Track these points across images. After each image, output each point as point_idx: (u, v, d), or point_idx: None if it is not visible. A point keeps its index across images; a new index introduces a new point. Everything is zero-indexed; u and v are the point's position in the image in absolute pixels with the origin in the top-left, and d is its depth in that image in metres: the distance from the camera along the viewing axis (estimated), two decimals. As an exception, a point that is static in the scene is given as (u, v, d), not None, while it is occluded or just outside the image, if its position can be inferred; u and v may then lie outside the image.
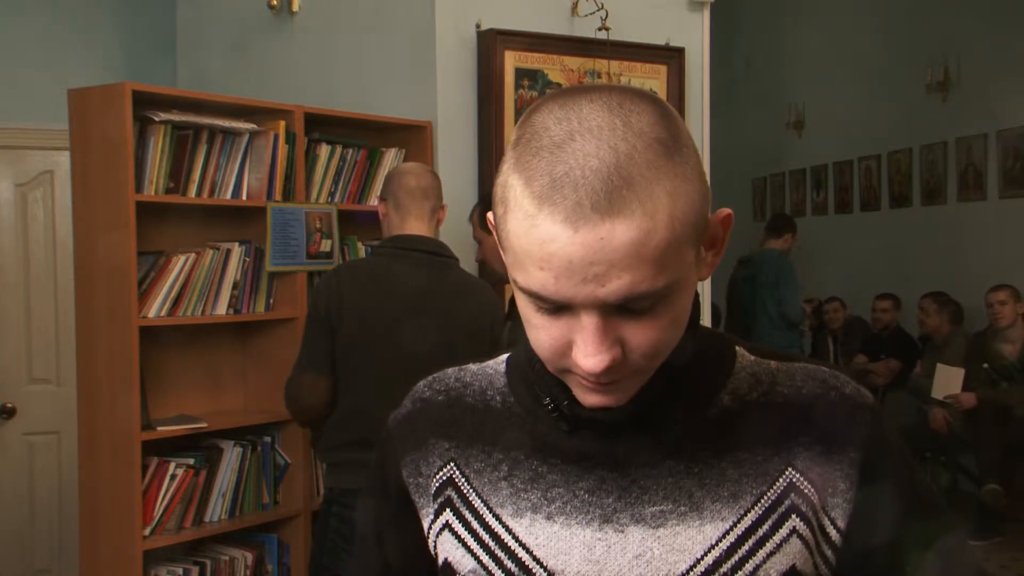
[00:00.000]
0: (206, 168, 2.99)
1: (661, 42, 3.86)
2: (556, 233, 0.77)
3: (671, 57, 3.86)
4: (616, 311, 0.80)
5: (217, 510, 3.05)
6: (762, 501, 0.89)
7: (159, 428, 2.90)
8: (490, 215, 0.88)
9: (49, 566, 4.23)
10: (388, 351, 2.63)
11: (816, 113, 8.19)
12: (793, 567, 0.88)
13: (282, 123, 3.13)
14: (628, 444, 0.91)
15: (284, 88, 3.70)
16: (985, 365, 5.74)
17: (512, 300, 3.01)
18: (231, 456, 3.08)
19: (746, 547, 0.88)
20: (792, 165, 8.58)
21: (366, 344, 2.63)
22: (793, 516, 0.89)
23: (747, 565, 0.88)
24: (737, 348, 0.97)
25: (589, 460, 0.91)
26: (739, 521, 0.88)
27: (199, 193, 2.99)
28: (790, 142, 8.49)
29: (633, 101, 0.81)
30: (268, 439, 3.20)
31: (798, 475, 0.90)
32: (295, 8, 3.85)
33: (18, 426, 4.20)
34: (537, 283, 0.79)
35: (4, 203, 4.22)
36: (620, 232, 0.76)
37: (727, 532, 0.88)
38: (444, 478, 0.97)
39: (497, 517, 0.93)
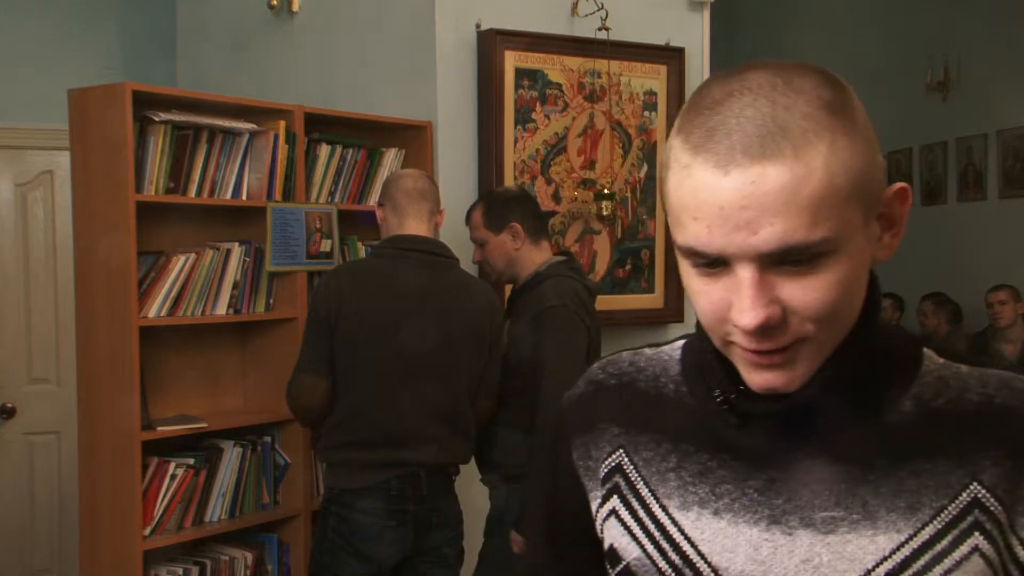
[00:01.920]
0: (206, 168, 2.99)
1: (661, 42, 3.86)
2: (708, 179, 0.77)
3: (671, 57, 3.86)
4: (773, 266, 0.78)
5: (217, 510, 3.05)
6: (942, 515, 0.84)
7: (159, 428, 2.90)
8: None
9: (49, 566, 4.23)
10: (388, 351, 2.64)
11: (816, 113, 8.19)
12: None
13: (282, 123, 3.13)
14: (801, 445, 0.88)
15: (284, 88, 3.70)
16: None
17: (509, 299, 3.01)
18: (231, 456, 3.08)
19: (921, 562, 0.83)
20: (792, 165, 8.59)
21: (366, 344, 2.64)
22: (976, 533, 0.83)
23: None
24: (925, 350, 0.92)
25: (761, 459, 0.89)
26: (916, 534, 0.84)
27: (199, 193, 2.99)
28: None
29: (800, 69, 0.81)
30: (268, 439, 3.20)
31: (984, 491, 0.84)
32: (295, 8, 3.85)
33: (18, 426, 4.20)
34: (692, 236, 0.79)
35: (4, 203, 4.22)
36: (771, 175, 0.76)
37: (902, 545, 0.84)
38: (613, 464, 0.97)
39: (664, 508, 0.92)
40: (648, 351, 1.02)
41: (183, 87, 4.10)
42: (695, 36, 3.99)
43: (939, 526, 0.84)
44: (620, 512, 0.95)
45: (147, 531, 2.84)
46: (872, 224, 0.83)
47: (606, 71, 3.68)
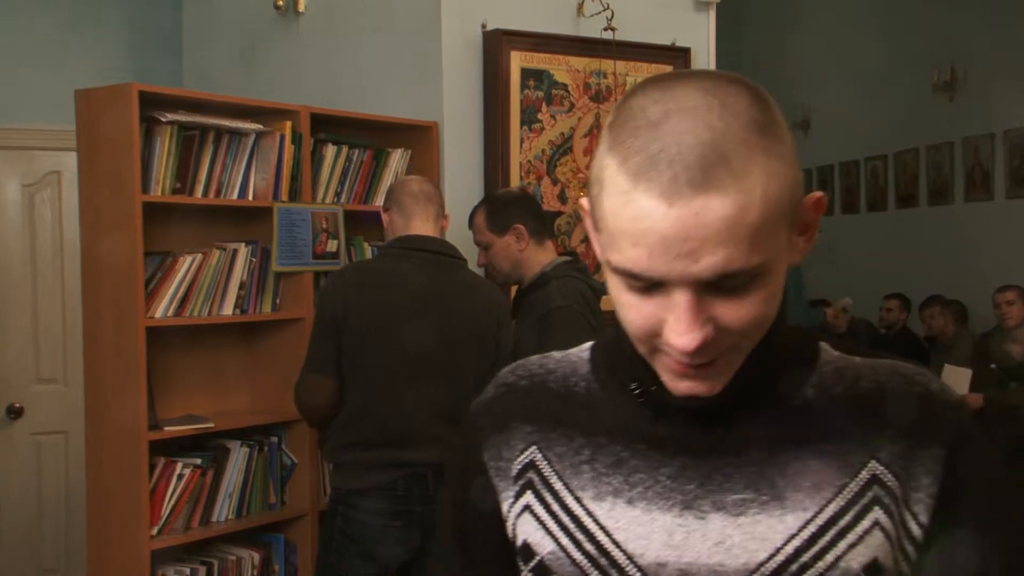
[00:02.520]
0: (212, 168, 3.00)
1: (667, 42, 3.86)
2: (651, 208, 0.78)
3: (677, 57, 3.86)
4: (709, 289, 0.80)
5: (224, 510, 3.05)
6: (844, 492, 0.89)
7: (166, 428, 2.90)
8: (583, 201, 0.89)
9: (56, 566, 4.24)
10: (394, 351, 2.64)
11: (822, 113, 8.17)
12: (875, 560, 0.88)
13: (288, 123, 3.14)
14: (712, 432, 0.91)
15: (290, 89, 3.71)
16: (993, 366, 5.72)
17: (515, 300, 3.01)
18: (238, 456, 3.08)
19: (827, 537, 0.88)
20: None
21: (372, 345, 2.64)
22: (876, 508, 0.89)
23: (828, 555, 0.87)
24: (821, 344, 0.97)
25: (672, 446, 0.92)
26: (821, 511, 0.88)
27: (205, 193, 2.99)
28: (796, 142, 8.47)
29: (729, 84, 0.82)
30: (275, 439, 3.21)
31: (882, 468, 0.89)
32: (301, 9, 3.85)
33: (26, 426, 4.21)
34: (631, 260, 0.80)
35: (11, 204, 4.23)
36: (715, 207, 0.77)
37: (808, 522, 0.88)
38: (526, 461, 0.98)
39: (578, 500, 0.94)
40: (556, 355, 1.05)
41: (189, 88, 4.11)
42: (701, 36, 3.98)
43: (842, 503, 0.89)
44: (534, 507, 0.96)
45: (154, 531, 2.84)
46: (792, 233, 0.85)
47: (612, 71, 3.68)
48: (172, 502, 2.89)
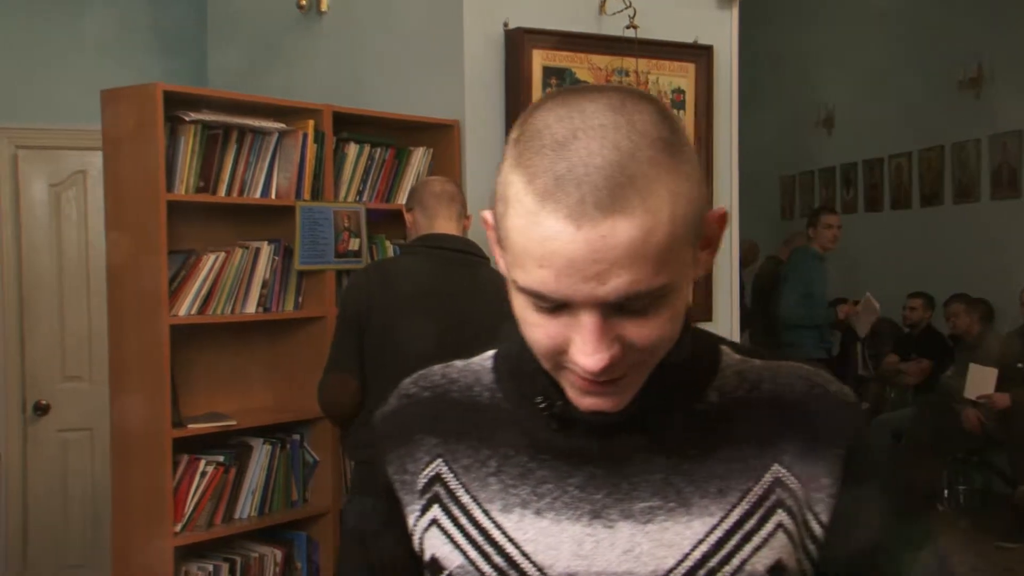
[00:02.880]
0: (236, 167, 3.02)
1: (689, 40, 3.84)
2: (558, 230, 0.77)
3: (699, 55, 3.84)
4: (615, 309, 0.80)
5: (247, 507, 3.07)
6: (749, 496, 0.90)
7: (189, 426, 2.92)
8: (487, 214, 0.88)
9: (82, 561, 4.28)
10: (416, 349, 2.64)
11: (846, 111, 8.12)
12: (779, 561, 0.89)
13: (311, 122, 3.15)
14: (618, 441, 0.91)
15: (313, 88, 3.72)
16: (1020, 365, 5.67)
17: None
18: (260, 454, 3.10)
19: (733, 541, 0.89)
20: (822, 163, 8.51)
21: (394, 342, 2.64)
22: (779, 511, 0.90)
23: (734, 559, 0.88)
24: (721, 347, 0.98)
25: (579, 456, 0.92)
26: (726, 516, 0.89)
27: (229, 192, 3.01)
28: (820, 140, 8.43)
29: (634, 101, 0.81)
30: (297, 437, 3.22)
31: (784, 471, 0.91)
32: (324, 8, 3.87)
33: (52, 423, 4.25)
34: (537, 281, 0.79)
35: (38, 203, 4.27)
36: (622, 230, 0.76)
37: (714, 527, 0.89)
38: (431, 474, 0.97)
39: (486, 513, 0.93)
40: (459, 363, 1.04)
41: (213, 87, 4.13)
42: (723, 34, 3.96)
43: (747, 507, 0.90)
44: (441, 521, 0.95)
45: (178, 528, 2.86)
46: (696, 249, 0.85)
47: (634, 69, 3.67)
48: (195, 499, 2.91)
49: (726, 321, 4.01)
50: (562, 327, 0.82)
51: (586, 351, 0.80)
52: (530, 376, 0.93)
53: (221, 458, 2.98)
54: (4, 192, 4.19)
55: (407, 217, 2.88)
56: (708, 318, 3.89)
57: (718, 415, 0.93)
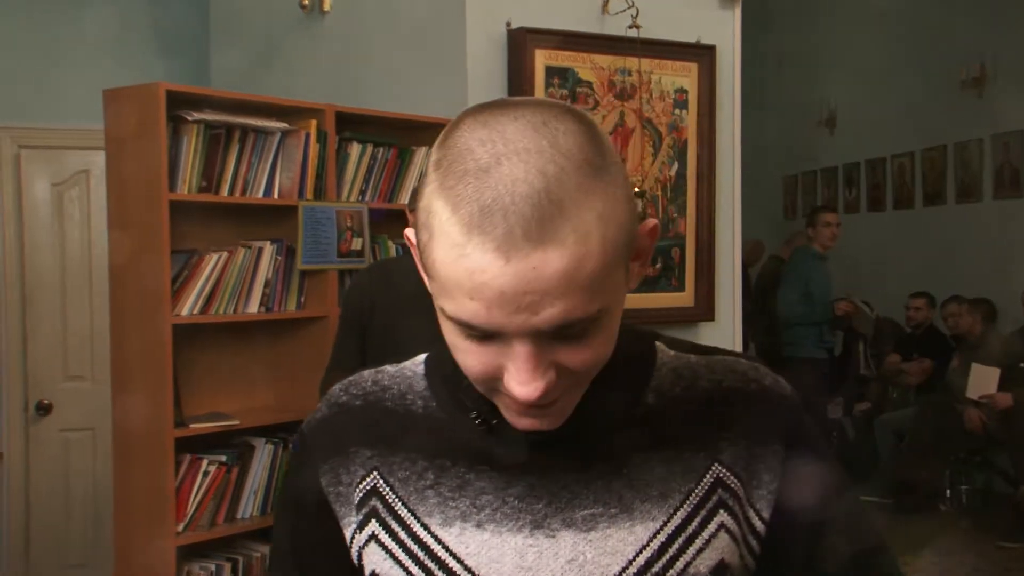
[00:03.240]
0: (238, 167, 3.02)
1: (692, 40, 3.84)
2: (487, 263, 0.74)
3: (702, 55, 3.84)
4: (549, 337, 0.78)
5: (249, 507, 3.07)
6: (691, 498, 0.89)
7: (192, 425, 2.92)
8: (409, 232, 0.85)
9: (84, 561, 4.28)
10: (418, 349, 2.64)
11: (848, 110, 8.11)
12: (721, 561, 0.89)
13: (313, 122, 3.15)
14: (557, 449, 0.89)
15: (315, 87, 3.72)
16: (1022, 364, 5.67)
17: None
18: (263, 453, 3.10)
19: (676, 545, 0.88)
20: (824, 163, 8.51)
21: (396, 342, 2.64)
22: (721, 511, 0.89)
23: (678, 563, 0.88)
24: (657, 344, 0.96)
25: (518, 467, 0.90)
26: (669, 520, 0.89)
27: (231, 192, 3.01)
28: (822, 140, 8.42)
29: (558, 119, 0.78)
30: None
31: (724, 470, 0.90)
32: (326, 8, 3.86)
33: (54, 422, 4.25)
34: (468, 313, 0.77)
35: (41, 202, 4.28)
36: (553, 260, 0.74)
37: (658, 532, 0.88)
38: (368, 487, 0.94)
39: (426, 527, 0.91)
40: (390, 368, 1.01)
41: (216, 87, 4.13)
42: (726, 33, 3.96)
43: (689, 509, 0.89)
44: (380, 536, 0.93)
45: (180, 527, 2.86)
46: (629, 267, 0.83)
47: (636, 69, 3.67)
48: (198, 499, 2.91)
49: (728, 321, 4.01)
50: (494, 355, 0.79)
51: (520, 379, 0.78)
52: (464, 388, 0.90)
53: (223, 458, 2.98)
54: (7, 192, 4.19)
55: (410, 217, 2.88)
56: (711, 318, 3.89)
57: (656, 417, 0.91)
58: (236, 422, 3.03)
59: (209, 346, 3.17)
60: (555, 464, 0.90)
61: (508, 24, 3.55)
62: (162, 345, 2.81)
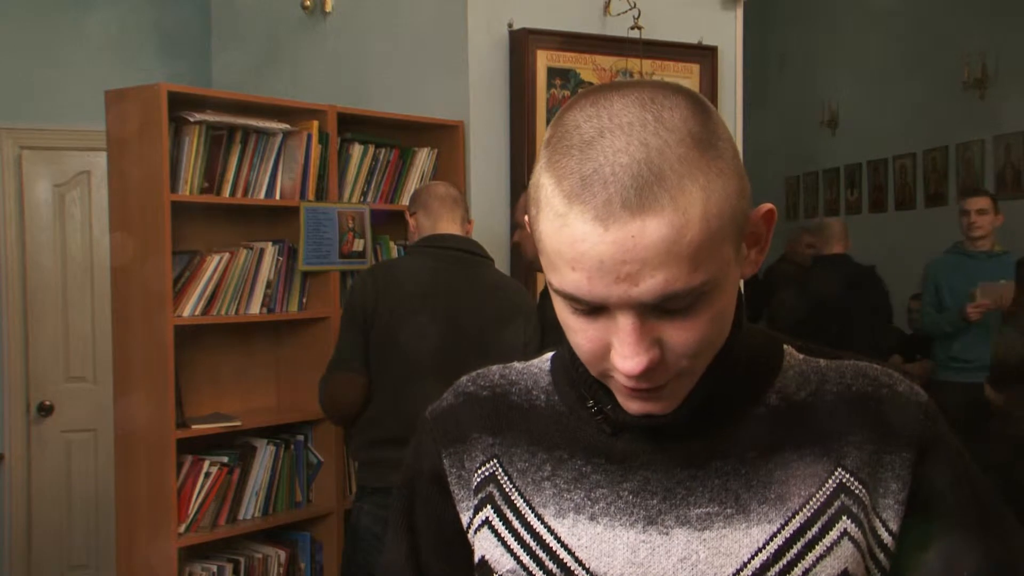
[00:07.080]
0: (240, 168, 3.01)
1: (694, 41, 3.84)
2: (586, 232, 0.76)
3: (704, 56, 3.84)
4: (653, 311, 0.78)
5: (251, 508, 3.07)
6: (811, 503, 0.87)
7: (193, 426, 2.92)
8: (525, 217, 0.86)
9: (86, 561, 4.28)
10: (421, 349, 2.64)
11: (850, 111, 8.10)
12: (845, 571, 0.86)
13: (315, 123, 3.15)
14: (673, 445, 0.89)
15: (317, 88, 3.72)
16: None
17: (544, 292, 3.01)
18: (264, 454, 3.10)
19: (795, 550, 0.86)
20: (826, 164, 8.50)
21: (400, 343, 2.64)
22: (844, 518, 0.86)
23: (796, 569, 0.85)
24: (785, 347, 0.95)
25: (634, 461, 0.90)
26: (787, 524, 0.86)
27: (233, 193, 3.01)
28: (824, 141, 8.41)
29: (666, 96, 0.79)
30: (301, 438, 3.22)
31: (848, 475, 0.87)
32: (328, 9, 3.86)
33: (56, 423, 4.26)
34: (571, 284, 0.78)
35: (42, 203, 4.28)
36: (651, 229, 0.74)
37: (774, 535, 0.86)
38: (486, 474, 0.96)
39: (539, 517, 0.92)
40: (518, 365, 1.03)
41: (217, 88, 4.13)
42: (728, 35, 3.96)
43: (809, 514, 0.86)
44: (494, 523, 0.94)
45: (182, 528, 2.86)
46: (741, 247, 0.83)
47: (638, 70, 3.67)
48: (199, 500, 2.91)
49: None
50: (601, 331, 0.80)
51: (624, 353, 0.79)
52: (582, 380, 0.92)
53: (225, 459, 2.98)
54: (8, 192, 4.19)
55: (410, 221, 2.87)
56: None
57: (778, 418, 0.90)
58: (238, 423, 3.02)
59: (211, 347, 3.17)
60: (671, 460, 0.89)
61: (510, 25, 3.55)
62: (164, 346, 2.81)
